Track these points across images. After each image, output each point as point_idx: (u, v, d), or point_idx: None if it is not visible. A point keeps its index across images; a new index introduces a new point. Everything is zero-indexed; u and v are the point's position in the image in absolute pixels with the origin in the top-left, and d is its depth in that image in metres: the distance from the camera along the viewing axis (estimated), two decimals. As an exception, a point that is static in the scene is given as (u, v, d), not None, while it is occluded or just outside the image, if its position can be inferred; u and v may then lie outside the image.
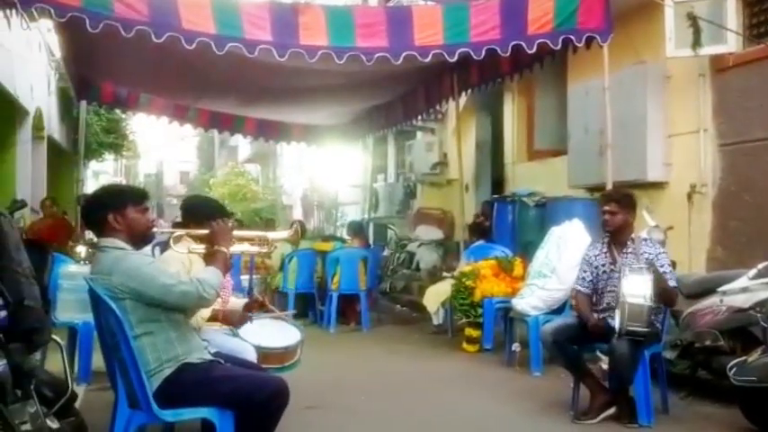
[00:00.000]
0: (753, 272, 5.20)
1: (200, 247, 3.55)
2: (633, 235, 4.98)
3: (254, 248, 3.81)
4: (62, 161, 12.85)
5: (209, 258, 3.39)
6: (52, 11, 5.54)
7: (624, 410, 4.74)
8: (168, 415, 3.15)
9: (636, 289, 4.53)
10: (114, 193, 3.43)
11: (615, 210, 4.90)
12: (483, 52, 6.39)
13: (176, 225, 4.14)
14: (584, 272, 5.06)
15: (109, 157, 17.90)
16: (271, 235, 3.94)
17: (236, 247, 3.57)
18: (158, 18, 5.78)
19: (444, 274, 9.08)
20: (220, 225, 3.47)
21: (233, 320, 4.06)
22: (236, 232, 3.57)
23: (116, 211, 3.23)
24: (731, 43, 6.84)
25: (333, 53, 6.22)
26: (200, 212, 4.11)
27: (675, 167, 7.58)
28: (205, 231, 3.50)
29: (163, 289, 3.08)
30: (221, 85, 8.77)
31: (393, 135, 15.22)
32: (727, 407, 4.93)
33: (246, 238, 3.73)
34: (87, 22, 5.58)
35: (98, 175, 27.19)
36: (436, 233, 12.10)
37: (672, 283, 4.80)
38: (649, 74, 7.63)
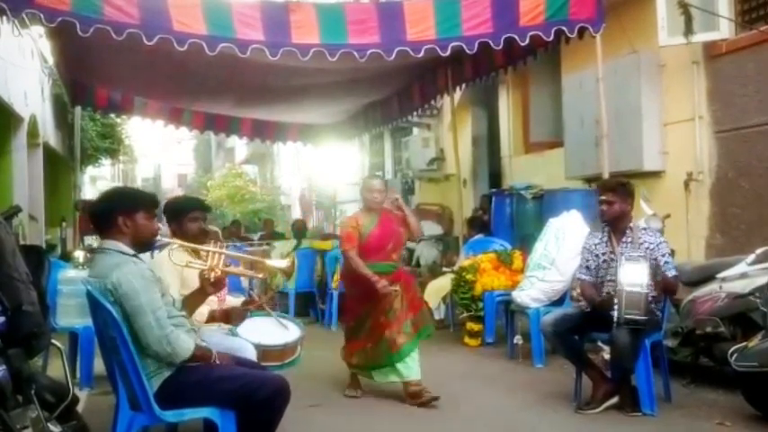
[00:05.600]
0: (751, 257, 5.22)
1: (197, 262, 3.56)
2: (632, 224, 4.97)
3: (249, 272, 3.85)
4: (59, 167, 12.82)
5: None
6: (42, 16, 5.52)
7: (627, 399, 4.76)
8: (170, 416, 3.16)
9: (633, 277, 4.54)
10: (128, 196, 3.42)
11: (612, 199, 4.88)
12: (476, 46, 6.38)
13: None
14: (587, 260, 5.04)
15: (106, 162, 17.87)
16: (269, 262, 4.01)
17: (231, 269, 3.60)
18: (149, 20, 5.76)
19: (444, 269, 9.08)
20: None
21: (231, 318, 4.06)
22: (234, 254, 3.62)
23: (127, 214, 3.22)
24: (724, 30, 6.84)
25: (325, 51, 6.21)
26: (177, 210, 4.21)
27: (672, 156, 7.58)
28: (200, 246, 3.52)
29: (138, 309, 3.06)
30: (215, 87, 8.76)
31: (389, 132, 15.20)
32: (729, 393, 4.95)
33: (244, 262, 3.80)
34: (78, 26, 5.57)
35: (95, 180, 27.15)
36: (435, 229, 12.08)
37: (672, 273, 4.80)
38: (643, 63, 7.62)
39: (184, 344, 3.15)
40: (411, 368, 5.16)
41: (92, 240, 8.54)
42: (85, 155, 13.75)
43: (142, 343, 3.11)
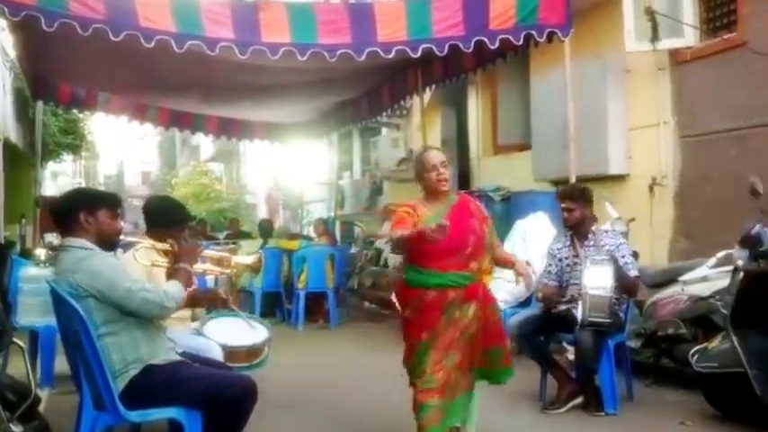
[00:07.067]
0: (712, 261, 5.34)
1: (164, 261, 3.52)
2: (593, 227, 5.05)
3: (217, 269, 3.82)
4: (19, 163, 12.53)
5: (171, 273, 3.39)
6: (6, 10, 5.41)
7: (591, 399, 4.83)
8: (135, 416, 3.11)
9: (597, 281, 4.61)
10: (89, 194, 3.47)
11: (571, 206, 4.98)
12: (446, 48, 6.40)
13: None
14: (550, 265, 5.12)
15: (67, 158, 17.61)
16: (235, 258, 3.97)
17: (198, 266, 3.58)
18: (115, 16, 5.67)
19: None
20: (187, 245, 3.50)
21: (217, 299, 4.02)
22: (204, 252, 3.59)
23: (89, 211, 3.20)
24: (689, 37, 6.99)
25: (295, 50, 6.18)
26: (166, 219, 4.07)
27: (636, 160, 7.71)
28: (166, 246, 3.49)
29: (126, 294, 3.06)
30: (182, 84, 8.65)
31: (358, 131, 15.20)
32: (690, 393, 5.03)
33: (210, 258, 3.77)
34: (42, 20, 5.45)
35: (56, 176, 26.68)
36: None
37: (633, 273, 4.89)
38: (610, 68, 7.74)
39: (176, 293, 3.19)
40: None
41: (52, 238, 8.39)
42: (47, 150, 13.50)
43: (145, 316, 3.14)
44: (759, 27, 6.42)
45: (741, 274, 4.30)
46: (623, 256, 4.87)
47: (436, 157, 3.89)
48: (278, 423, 4.62)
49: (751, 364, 4.13)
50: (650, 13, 6.75)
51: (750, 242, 4.30)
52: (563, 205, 5.02)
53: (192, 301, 4.01)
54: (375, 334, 8.50)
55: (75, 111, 12.28)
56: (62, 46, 6.90)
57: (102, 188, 11.69)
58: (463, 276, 3.70)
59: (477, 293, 3.75)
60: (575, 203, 4.98)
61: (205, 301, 4.10)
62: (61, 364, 4.13)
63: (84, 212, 3.19)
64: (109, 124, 12.81)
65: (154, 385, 3.11)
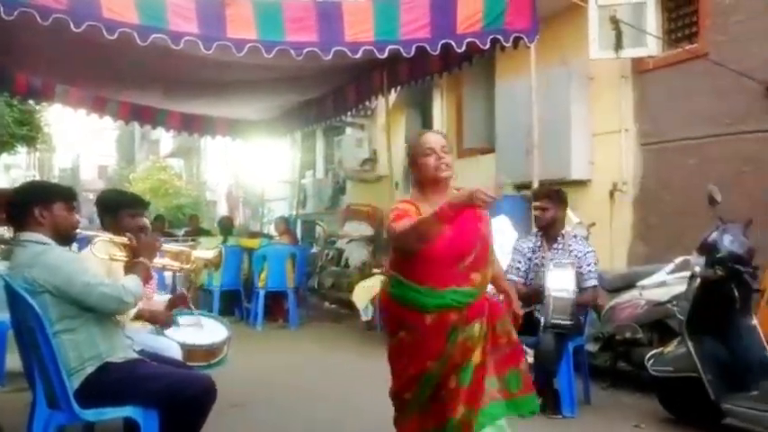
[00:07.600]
0: (670, 267, 5.44)
1: (122, 255, 3.47)
2: (563, 231, 5.09)
3: (176, 264, 3.77)
4: (-28, 154, 12.26)
5: (129, 267, 3.35)
6: (-37, -3, 5.24)
7: (549, 402, 4.84)
8: (90, 414, 3.05)
9: (560, 283, 4.65)
10: (43, 187, 3.44)
11: (546, 206, 5.00)
12: (413, 50, 6.40)
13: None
14: (518, 262, 5.12)
15: (22, 149, 17.24)
16: (195, 253, 3.93)
17: (157, 260, 3.54)
18: (77, 6, 5.53)
19: (374, 270, 9.10)
20: (146, 238, 3.48)
21: (158, 320, 3.95)
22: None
23: (43, 205, 3.14)
24: (651, 47, 7.12)
25: (261, 47, 6.10)
26: (114, 205, 4.00)
27: (598, 166, 7.82)
28: (125, 239, 3.45)
29: (85, 288, 3.01)
30: (145, 78, 8.49)
31: (322, 130, 15.12)
32: (646, 396, 5.12)
33: (170, 252, 3.73)
34: (1, 9, 5.30)
35: (9, 168, 26.09)
36: (365, 229, 12.11)
37: (592, 282, 4.94)
38: (574, 74, 7.83)
39: (134, 288, 3.15)
40: None
41: (2, 230, 8.18)
42: (0, 142, 13.20)
43: (104, 311, 3.09)
44: (719, 39, 6.57)
45: (698, 280, 4.39)
46: (588, 265, 4.93)
47: (435, 140, 3.16)
48: (236, 422, 4.57)
49: (705, 369, 4.22)
50: (615, 22, 6.86)
51: (707, 249, 4.38)
52: (538, 204, 5.04)
53: (153, 320, 3.96)
54: (335, 334, 8.47)
55: (31, 102, 11.99)
56: (20, 35, 6.73)
57: (56, 181, 11.60)
58: (464, 293, 3.03)
59: (482, 310, 3.09)
60: (550, 203, 5.00)
61: (164, 323, 4.04)
62: (13, 361, 4.03)
63: (38, 206, 3.13)
64: (66, 116, 12.51)
65: (110, 383, 3.06)
